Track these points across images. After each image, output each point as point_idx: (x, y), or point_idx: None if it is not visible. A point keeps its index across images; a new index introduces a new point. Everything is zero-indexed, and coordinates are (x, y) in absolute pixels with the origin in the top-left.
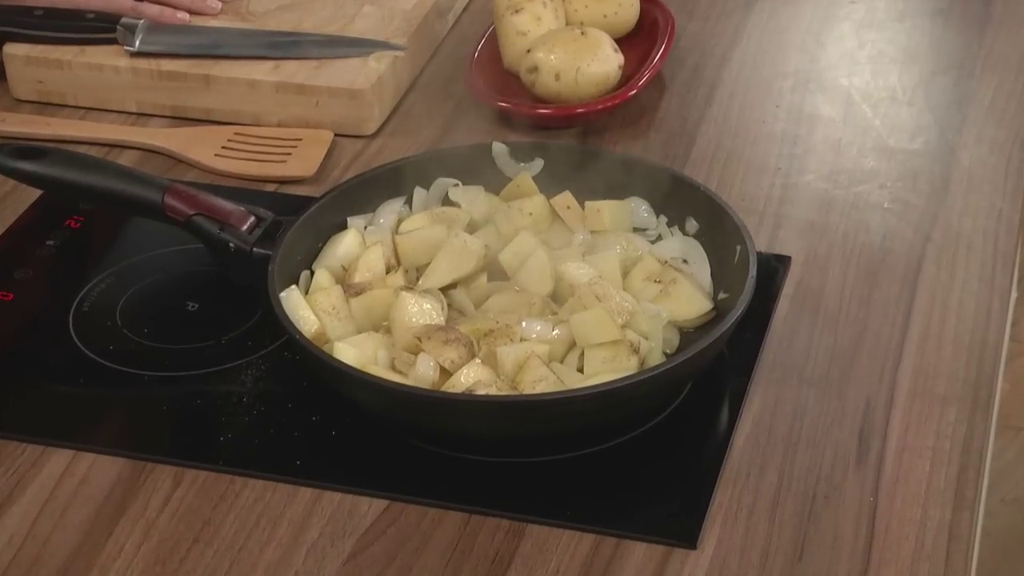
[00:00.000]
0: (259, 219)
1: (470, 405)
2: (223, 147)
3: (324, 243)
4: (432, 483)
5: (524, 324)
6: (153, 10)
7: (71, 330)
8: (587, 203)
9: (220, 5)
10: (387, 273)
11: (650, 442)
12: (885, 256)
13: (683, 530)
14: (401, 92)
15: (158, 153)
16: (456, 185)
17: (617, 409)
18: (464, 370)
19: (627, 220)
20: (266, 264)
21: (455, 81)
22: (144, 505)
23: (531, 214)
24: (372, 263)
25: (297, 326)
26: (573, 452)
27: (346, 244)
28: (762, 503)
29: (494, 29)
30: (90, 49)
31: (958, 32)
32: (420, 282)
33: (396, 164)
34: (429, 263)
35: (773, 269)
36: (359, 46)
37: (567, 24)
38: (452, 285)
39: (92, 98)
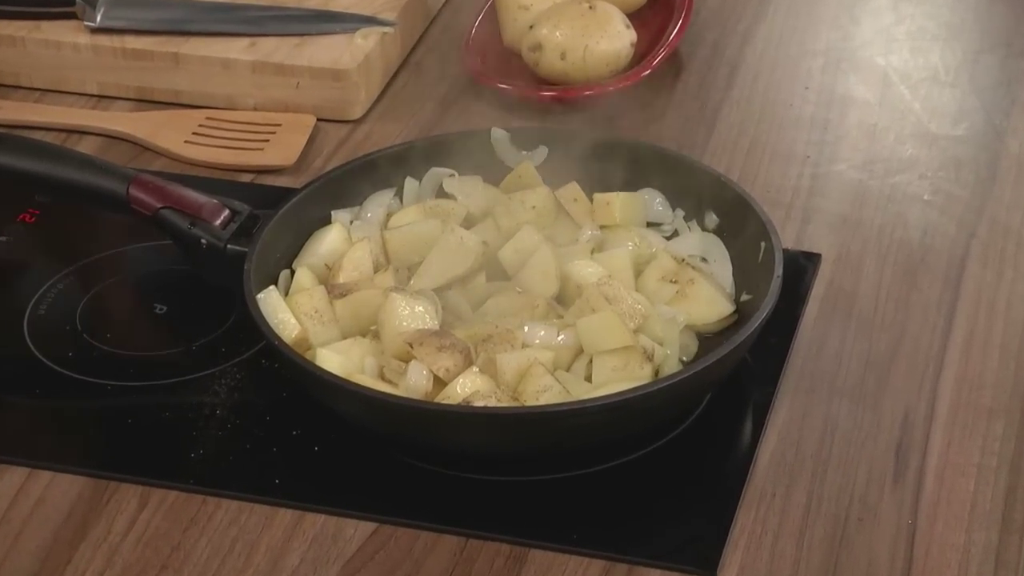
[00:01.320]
0: (234, 213)
1: (467, 418)
2: (194, 133)
3: (306, 239)
4: (425, 503)
5: (526, 329)
6: None
7: (26, 336)
8: (596, 195)
9: None
10: (375, 272)
11: (665, 459)
12: (925, 254)
13: (702, 556)
14: (390, 72)
15: (122, 140)
16: (451, 175)
17: (629, 422)
18: (460, 379)
19: (640, 214)
20: (242, 262)
21: (450, 61)
22: (107, 528)
23: (534, 207)
24: (359, 261)
25: (276, 331)
26: (580, 470)
27: (330, 240)
28: (789, 526)
29: (493, 3)
30: (46, 24)
31: (1006, 6)
32: (412, 282)
33: (385, 152)
34: (421, 261)
35: (801, 268)
36: (344, 21)
37: None
38: (447, 286)
39: (48, 79)
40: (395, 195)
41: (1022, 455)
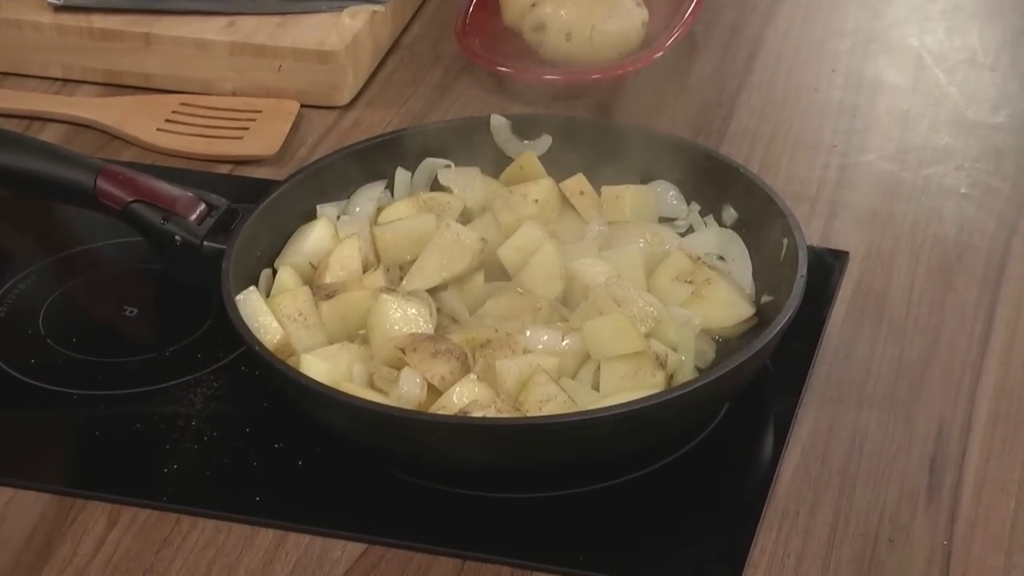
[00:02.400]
0: (210, 207)
1: (464, 430)
2: (167, 120)
3: (288, 236)
4: (418, 522)
5: (528, 333)
6: None
7: None
8: (604, 188)
9: None
10: (364, 272)
11: (679, 474)
12: (962, 252)
13: None
14: (381, 54)
15: (89, 128)
16: (447, 167)
17: (639, 434)
18: (457, 388)
19: (652, 208)
20: (219, 261)
21: (445, 41)
22: (73, 550)
23: (537, 201)
24: (346, 260)
25: (256, 335)
26: (587, 486)
27: (315, 237)
28: (814, 547)
29: None
30: (5, 2)
31: None
32: (404, 282)
33: (375, 141)
34: (415, 260)
35: (827, 267)
36: None
37: None
38: (442, 286)
39: (8, 61)
40: (386, 188)
41: None
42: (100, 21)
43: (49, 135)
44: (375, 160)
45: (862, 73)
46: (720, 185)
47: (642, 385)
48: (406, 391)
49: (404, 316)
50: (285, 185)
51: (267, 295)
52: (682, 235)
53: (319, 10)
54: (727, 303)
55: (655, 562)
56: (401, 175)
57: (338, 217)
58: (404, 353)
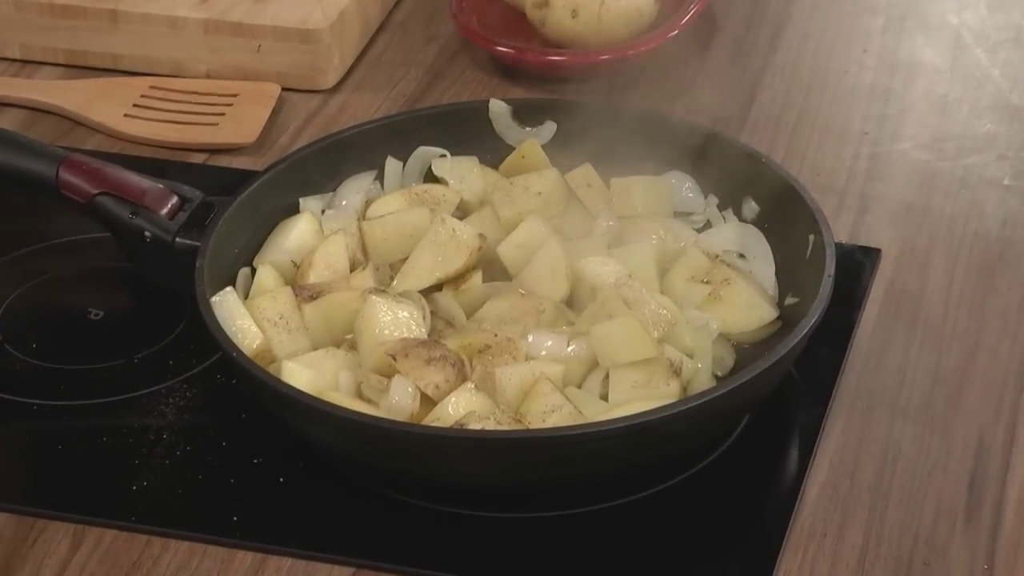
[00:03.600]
0: (183, 200)
1: (460, 444)
2: (135, 105)
3: (269, 232)
4: (411, 544)
5: (531, 338)
6: None
7: None
8: (613, 180)
9: None
10: (351, 271)
11: (695, 492)
12: (1005, 249)
13: None
14: (369, 33)
15: (50, 113)
16: (442, 156)
17: (652, 449)
18: (452, 398)
19: (666, 201)
20: (193, 259)
21: (440, 18)
22: (34, 574)
23: (540, 193)
24: (332, 258)
25: (233, 340)
26: (595, 505)
27: (298, 233)
28: (842, 572)
29: None
30: None
31: None
32: (395, 283)
33: (363, 128)
34: (406, 258)
35: (857, 266)
36: None
37: None
38: (437, 287)
39: None
40: (375, 179)
41: None
42: None
43: (6, 121)
44: (363, 149)
45: (896, 53)
46: (740, 176)
47: (655, 395)
48: (397, 401)
49: (395, 319)
50: (265, 176)
51: (245, 296)
52: (699, 231)
53: None
54: (748, 305)
55: None
56: (392, 165)
57: (323, 211)
58: (395, 360)
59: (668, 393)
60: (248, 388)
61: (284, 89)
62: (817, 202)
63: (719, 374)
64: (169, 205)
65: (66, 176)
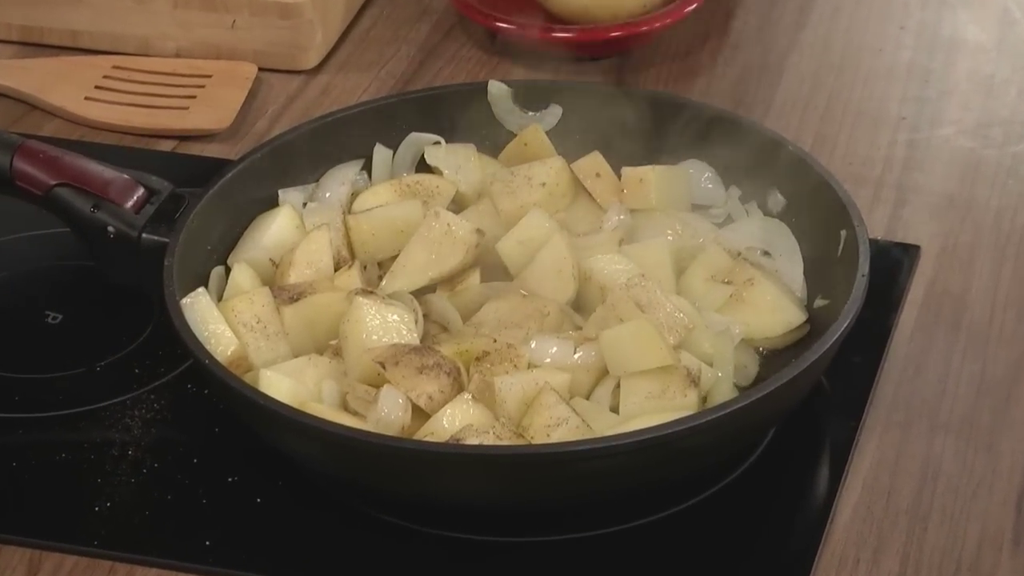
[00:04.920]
0: (150, 192)
1: (456, 461)
2: (97, 87)
3: (245, 227)
4: (402, 572)
5: (534, 344)
6: None
7: None
8: (624, 169)
9: None
10: (336, 270)
11: (715, 514)
12: None
13: None
14: (355, 7)
15: (3, 96)
16: (436, 143)
17: (668, 466)
18: (448, 410)
19: (683, 193)
20: (161, 256)
21: None
22: None
23: (544, 184)
24: (314, 255)
25: (206, 346)
26: (605, 528)
27: (276, 228)
28: None
29: None
30: None
31: None
32: (384, 283)
33: (348, 112)
34: (397, 256)
35: (894, 264)
36: None
37: None
38: (430, 287)
39: None
40: (362, 169)
41: None
42: None
43: None
44: (349, 135)
45: (937, 29)
46: (765, 165)
47: (670, 407)
48: (386, 414)
49: (384, 323)
50: (240, 165)
51: (219, 298)
52: (719, 226)
53: None
54: (773, 308)
55: None
56: (380, 154)
57: (304, 204)
58: (384, 368)
59: (685, 405)
60: (222, 399)
61: (261, 69)
62: (849, 194)
63: (741, 384)
64: (135, 197)
65: (21, 165)
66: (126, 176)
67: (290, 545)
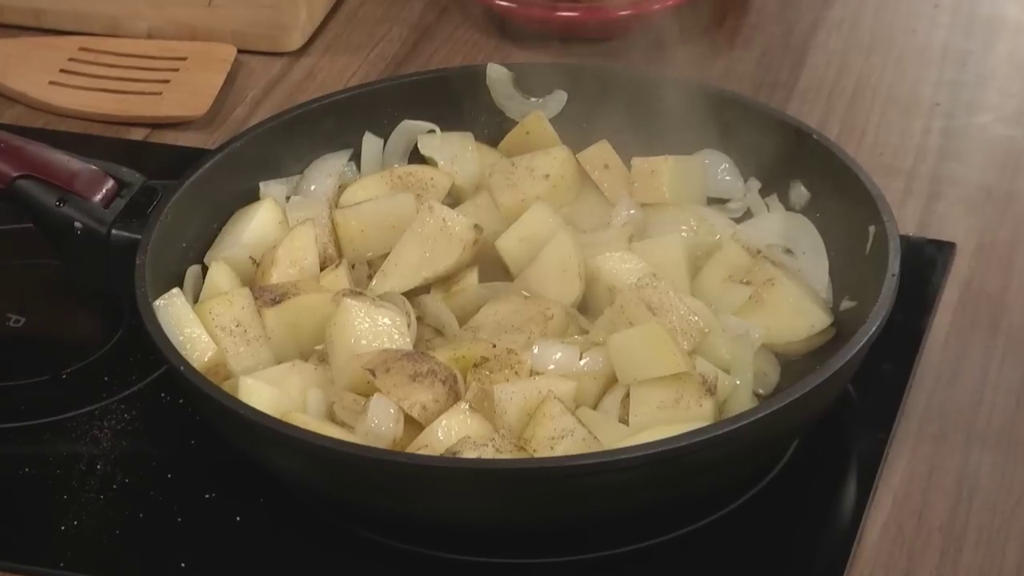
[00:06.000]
0: (120, 184)
1: (453, 476)
2: (62, 71)
3: (223, 223)
4: None
5: (536, 349)
6: None
7: None
8: (635, 160)
9: None
10: (322, 269)
11: (734, 533)
12: None
13: None
14: None
15: None
16: (431, 131)
17: (681, 483)
18: (443, 421)
19: (698, 186)
20: (132, 254)
21: None
22: None
23: (548, 176)
24: (298, 253)
25: (181, 352)
26: (614, 548)
27: (257, 224)
28: None
29: None
30: None
31: None
32: (374, 283)
33: (335, 98)
34: (387, 254)
35: (928, 263)
36: None
37: None
38: (424, 288)
39: None
40: (350, 159)
41: None
42: None
43: None
44: (335, 123)
45: (974, 8)
46: (787, 156)
47: (684, 417)
48: (376, 425)
49: (374, 327)
50: (218, 156)
51: (195, 300)
52: (737, 221)
53: None
54: (795, 310)
55: None
56: (370, 143)
57: (287, 198)
58: (374, 375)
59: (700, 415)
60: (198, 409)
61: (240, 51)
62: (879, 187)
63: (761, 392)
64: (103, 191)
65: None
66: (94, 167)
67: (272, 568)
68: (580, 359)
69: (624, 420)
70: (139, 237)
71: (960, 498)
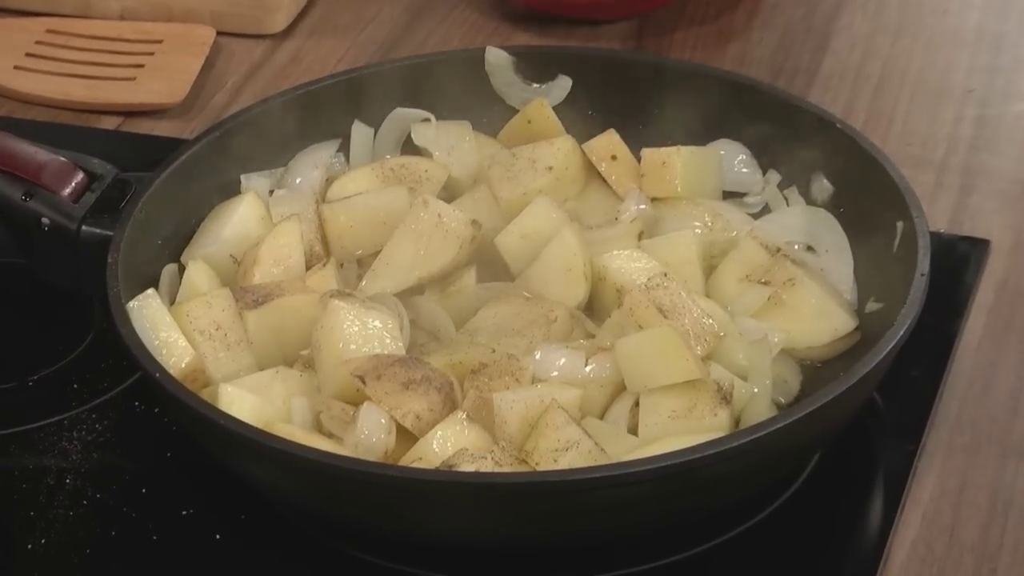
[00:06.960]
0: (91, 177)
1: (449, 490)
2: (28, 55)
3: (201, 218)
4: None
5: (539, 354)
6: None
7: None
8: (645, 151)
9: None
10: (308, 268)
11: (752, 551)
12: None
13: None
14: None
15: None
16: (425, 120)
17: (695, 497)
18: (438, 431)
19: (712, 179)
20: (104, 252)
21: None
22: None
23: (551, 168)
24: (283, 251)
25: (157, 357)
26: (624, 568)
27: (238, 220)
28: None
29: None
30: None
31: None
32: (364, 283)
33: (322, 84)
34: (379, 252)
35: (960, 261)
36: None
37: None
38: (418, 288)
39: None
40: (338, 150)
41: None
42: None
43: None
44: (323, 111)
45: None
46: (809, 146)
47: (697, 428)
48: (366, 436)
49: (364, 331)
50: (196, 146)
51: (171, 301)
52: (755, 216)
53: None
54: (817, 313)
55: None
56: (360, 133)
57: (271, 192)
58: (364, 383)
59: (715, 426)
60: (175, 419)
61: (220, 33)
62: (907, 180)
63: (781, 401)
64: (73, 184)
65: None
66: (63, 159)
67: None
68: (586, 365)
69: (633, 431)
70: (111, 234)
71: (994, 514)
